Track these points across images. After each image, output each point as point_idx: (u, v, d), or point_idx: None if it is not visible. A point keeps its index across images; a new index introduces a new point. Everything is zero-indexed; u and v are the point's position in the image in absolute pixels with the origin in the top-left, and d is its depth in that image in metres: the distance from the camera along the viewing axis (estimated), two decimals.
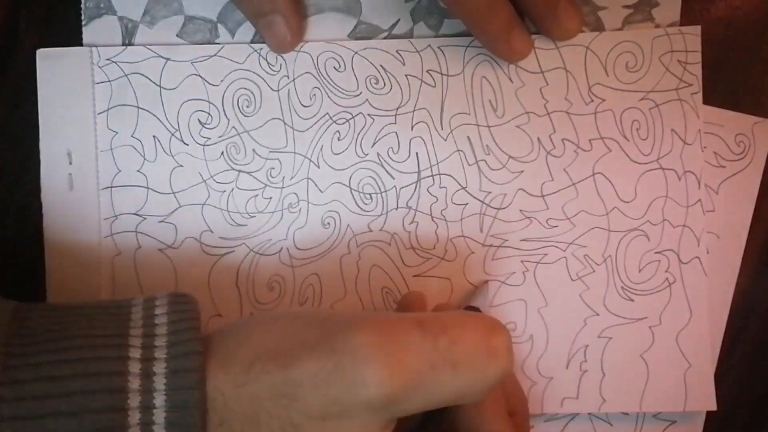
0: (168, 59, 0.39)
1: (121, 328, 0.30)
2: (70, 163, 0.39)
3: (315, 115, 0.40)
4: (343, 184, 0.40)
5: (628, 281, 0.39)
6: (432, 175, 0.40)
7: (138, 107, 0.39)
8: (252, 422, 0.29)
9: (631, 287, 0.39)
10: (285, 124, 0.40)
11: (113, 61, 0.39)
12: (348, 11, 0.40)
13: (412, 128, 0.40)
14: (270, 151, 0.40)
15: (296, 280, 0.40)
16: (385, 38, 0.40)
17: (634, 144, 0.39)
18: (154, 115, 0.39)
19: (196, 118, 0.40)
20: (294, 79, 0.40)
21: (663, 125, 0.39)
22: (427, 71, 0.40)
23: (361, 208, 0.40)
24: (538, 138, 0.40)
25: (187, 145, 0.40)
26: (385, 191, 0.40)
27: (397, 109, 0.40)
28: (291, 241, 0.40)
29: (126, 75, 0.39)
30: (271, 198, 0.40)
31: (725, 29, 0.40)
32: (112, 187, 0.39)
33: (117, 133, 0.39)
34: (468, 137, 0.40)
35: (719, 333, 0.40)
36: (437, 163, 0.40)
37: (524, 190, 0.40)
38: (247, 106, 0.40)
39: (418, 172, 0.40)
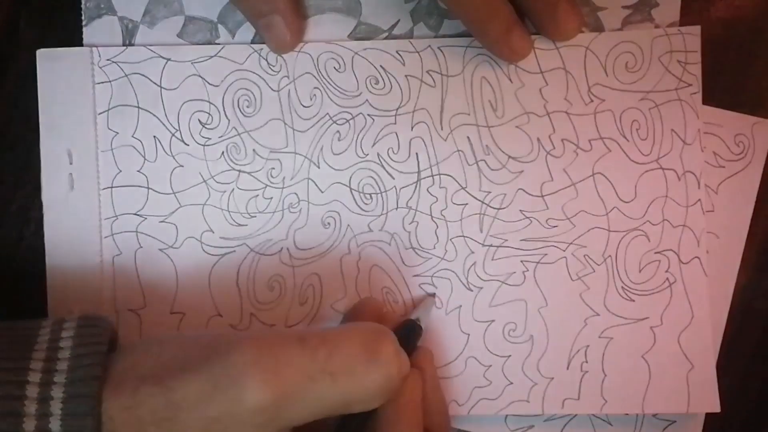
0: (168, 59, 0.39)
1: (24, 350, 0.30)
2: (71, 163, 0.39)
3: (315, 116, 0.40)
4: (343, 184, 0.40)
5: (628, 281, 0.39)
6: (432, 175, 0.40)
7: (138, 107, 0.39)
8: None
9: (631, 287, 0.39)
10: (285, 124, 0.40)
11: (113, 62, 0.39)
12: (348, 12, 0.40)
13: (412, 128, 0.40)
14: (270, 152, 0.40)
15: (296, 280, 0.40)
16: (385, 38, 0.40)
17: (633, 144, 0.39)
18: (155, 116, 0.40)
19: (196, 119, 0.40)
20: (294, 80, 0.40)
21: (663, 125, 0.39)
22: (427, 71, 0.40)
23: (361, 208, 0.40)
24: (538, 138, 0.40)
25: (188, 145, 0.40)
26: (385, 191, 0.40)
27: (397, 109, 0.40)
28: (291, 241, 0.40)
29: (126, 75, 0.39)
30: (271, 198, 0.40)
31: (725, 29, 0.40)
32: (112, 187, 0.39)
33: (117, 133, 0.39)
34: (468, 137, 0.40)
35: (719, 333, 0.40)
36: (437, 163, 0.40)
37: (524, 190, 0.40)
38: (248, 107, 0.40)
39: (418, 172, 0.40)
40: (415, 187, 0.40)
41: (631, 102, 0.39)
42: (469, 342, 0.39)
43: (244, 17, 0.39)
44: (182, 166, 0.40)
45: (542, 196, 0.40)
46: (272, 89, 0.40)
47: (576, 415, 0.40)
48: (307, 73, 0.40)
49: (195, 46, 0.40)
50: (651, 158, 0.39)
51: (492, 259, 0.40)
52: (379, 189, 0.40)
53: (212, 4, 0.40)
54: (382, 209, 0.40)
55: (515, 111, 0.40)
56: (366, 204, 0.40)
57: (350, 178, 0.40)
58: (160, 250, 0.39)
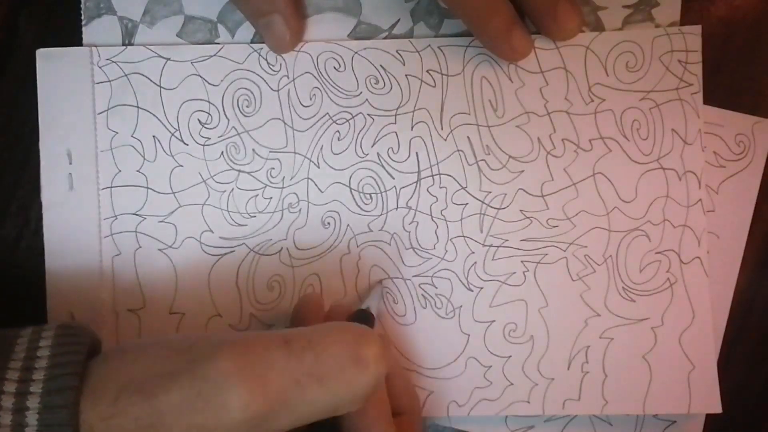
0: (168, 59, 0.39)
1: (0, 360, 0.30)
2: (70, 163, 0.39)
3: (315, 115, 0.40)
4: (343, 184, 0.40)
5: (629, 281, 0.39)
6: (432, 175, 0.40)
7: (138, 107, 0.39)
8: None
9: (632, 287, 0.39)
10: (285, 124, 0.40)
11: (113, 61, 0.39)
12: (348, 11, 0.40)
13: (412, 128, 0.40)
14: (270, 151, 0.40)
15: (296, 280, 0.39)
16: (385, 38, 0.40)
17: (634, 144, 0.39)
18: (154, 115, 0.39)
19: (196, 118, 0.40)
20: (294, 79, 0.40)
21: (663, 125, 0.39)
22: (427, 71, 0.40)
23: (361, 208, 0.40)
24: (538, 138, 0.39)
25: (187, 145, 0.40)
26: (385, 191, 0.40)
27: (397, 109, 0.40)
28: (291, 241, 0.40)
29: (126, 75, 0.39)
30: (271, 198, 0.40)
31: (725, 29, 0.40)
32: (112, 187, 0.39)
33: (117, 133, 0.39)
34: (468, 137, 0.40)
35: (719, 333, 0.40)
36: (437, 163, 0.40)
37: (524, 190, 0.40)
38: (247, 106, 0.40)
39: (418, 172, 0.40)
40: (415, 186, 0.40)
41: (632, 102, 0.39)
42: (470, 342, 0.39)
43: (244, 17, 0.39)
44: (182, 166, 0.40)
45: (542, 196, 0.40)
46: (272, 89, 0.40)
47: (576, 415, 0.40)
48: (306, 72, 0.40)
49: (194, 46, 0.40)
50: (652, 158, 0.39)
51: (492, 259, 0.40)
52: (379, 189, 0.40)
53: (212, 3, 0.40)
54: (382, 209, 0.40)
55: (515, 111, 0.40)
56: (366, 204, 0.40)
57: (350, 178, 0.40)
58: (160, 250, 0.39)
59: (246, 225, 0.40)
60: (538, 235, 0.40)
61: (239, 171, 0.40)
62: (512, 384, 0.39)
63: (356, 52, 0.40)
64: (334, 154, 0.40)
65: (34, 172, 0.40)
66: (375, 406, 0.33)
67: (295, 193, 0.40)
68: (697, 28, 0.39)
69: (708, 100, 0.40)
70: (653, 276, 0.39)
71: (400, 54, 0.40)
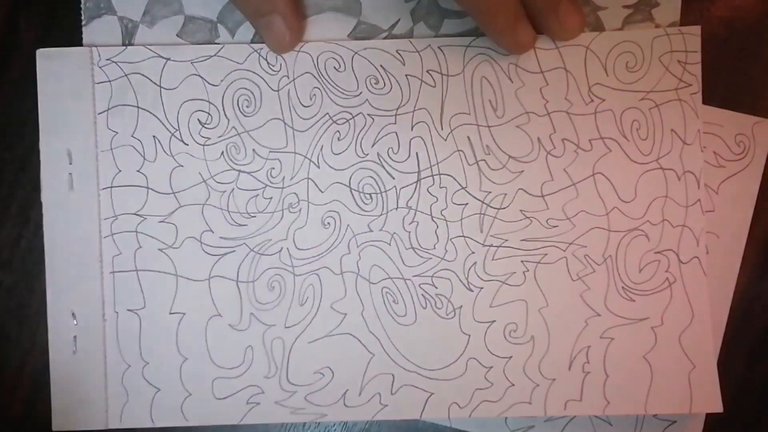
0: (168, 59, 0.39)
1: None
2: (70, 163, 0.39)
3: (315, 115, 0.40)
4: (343, 184, 0.40)
5: (628, 281, 0.39)
6: (432, 175, 0.40)
7: (138, 107, 0.39)
8: None
9: (631, 287, 0.39)
10: (285, 124, 0.40)
11: (113, 61, 0.39)
12: (348, 11, 0.40)
13: (412, 128, 0.40)
14: (270, 151, 0.40)
15: (296, 280, 0.39)
16: (385, 38, 0.40)
17: (634, 144, 0.39)
18: (154, 115, 0.39)
19: (196, 118, 0.40)
20: (294, 79, 0.40)
21: (663, 125, 0.39)
22: (427, 71, 0.40)
23: (361, 208, 0.40)
24: (538, 138, 0.40)
25: (187, 145, 0.40)
26: (385, 191, 0.40)
27: (397, 109, 0.40)
28: (291, 241, 0.40)
29: (126, 75, 0.39)
30: (271, 198, 0.40)
31: (725, 29, 0.40)
32: (112, 187, 0.39)
33: (117, 133, 0.39)
34: (468, 137, 0.40)
35: (719, 333, 0.40)
36: (437, 163, 0.40)
37: (524, 190, 0.40)
38: (247, 106, 0.40)
39: (418, 172, 0.40)
40: (415, 186, 0.40)
41: (632, 102, 0.39)
42: (470, 343, 0.39)
43: (244, 17, 0.39)
44: (182, 166, 0.40)
45: (542, 196, 0.40)
46: (272, 89, 0.40)
47: (576, 415, 0.40)
48: (306, 72, 0.40)
49: (195, 46, 0.40)
50: (651, 158, 0.39)
51: (492, 260, 0.40)
52: (379, 189, 0.40)
53: (212, 3, 0.40)
54: (382, 209, 0.40)
55: (515, 111, 0.40)
56: (366, 204, 0.40)
57: (350, 177, 0.40)
58: (160, 250, 0.39)
59: (246, 225, 0.40)
60: (538, 235, 0.40)
61: (239, 171, 0.40)
62: (513, 385, 0.39)
63: (356, 52, 0.40)
64: (334, 154, 0.40)
65: (34, 172, 0.40)
66: None
67: (295, 193, 0.40)
68: (697, 29, 0.39)
69: (708, 100, 0.40)
70: (652, 276, 0.39)
71: (400, 54, 0.40)
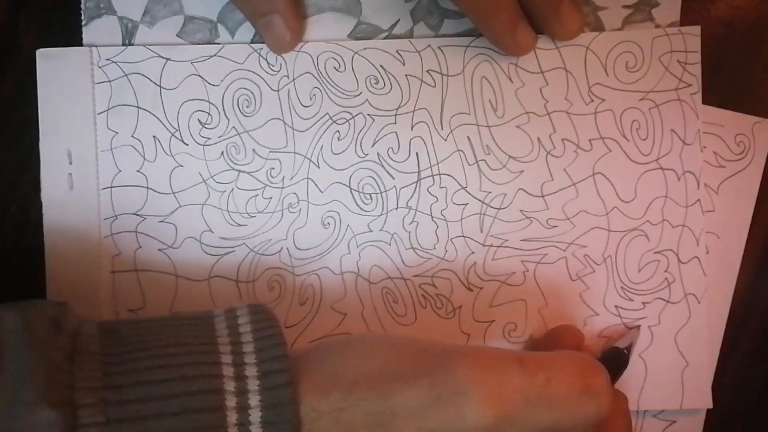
0: (168, 59, 0.39)
1: (209, 336, 0.31)
2: (70, 163, 0.39)
3: (315, 115, 0.40)
4: (343, 184, 0.40)
5: (627, 281, 0.39)
6: (432, 175, 0.40)
7: (138, 107, 0.39)
8: None
9: (630, 287, 0.40)
10: (285, 124, 0.40)
11: (113, 61, 0.39)
12: (348, 11, 0.40)
13: (412, 128, 0.40)
14: (270, 151, 0.40)
15: (296, 280, 0.39)
16: (385, 38, 0.40)
17: (633, 144, 0.39)
18: (154, 115, 0.39)
19: (196, 118, 0.40)
20: (294, 79, 0.40)
21: (663, 125, 0.39)
22: (427, 71, 0.40)
23: (361, 208, 0.40)
24: (538, 138, 0.40)
25: (187, 145, 0.40)
26: (385, 191, 0.40)
27: (397, 109, 0.40)
28: (291, 241, 0.40)
29: (126, 75, 0.39)
30: (271, 198, 0.40)
31: (725, 29, 0.40)
32: (112, 187, 0.39)
33: (117, 133, 0.39)
34: (468, 137, 0.40)
35: (719, 333, 0.40)
36: (437, 163, 0.40)
37: (524, 190, 0.40)
38: (247, 106, 0.40)
39: (418, 172, 0.40)
40: (415, 187, 0.40)
41: (632, 102, 0.39)
42: (470, 342, 0.39)
43: (244, 17, 0.39)
44: (182, 166, 0.40)
45: (542, 196, 0.40)
46: (272, 89, 0.40)
47: None
48: (306, 72, 0.40)
49: (194, 46, 0.40)
50: (651, 158, 0.39)
51: (492, 259, 0.40)
52: (379, 189, 0.40)
53: (212, 3, 0.40)
54: (382, 209, 0.40)
55: (515, 111, 0.40)
56: (366, 204, 0.40)
57: (350, 178, 0.40)
58: (160, 250, 0.39)
59: (246, 225, 0.40)
60: (538, 235, 0.40)
61: (239, 171, 0.40)
62: None
63: (356, 52, 0.40)
64: (334, 154, 0.40)
65: (34, 172, 0.40)
66: None
67: (295, 193, 0.40)
68: (697, 29, 0.39)
69: (708, 100, 0.40)
70: (652, 275, 0.40)
71: (400, 54, 0.40)
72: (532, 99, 0.40)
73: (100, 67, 0.39)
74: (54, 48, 0.39)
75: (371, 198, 0.40)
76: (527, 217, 0.40)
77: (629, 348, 0.38)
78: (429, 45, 0.40)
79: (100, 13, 0.40)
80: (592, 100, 0.39)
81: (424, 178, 0.40)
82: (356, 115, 0.40)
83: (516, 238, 0.40)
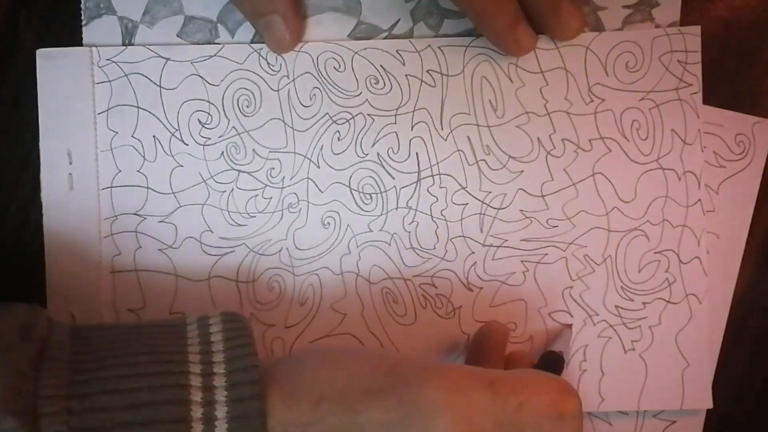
0: (168, 59, 0.39)
1: (179, 344, 0.31)
2: (70, 163, 0.39)
3: (315, 115, 0.40)
4: (343, 184, 0.40)
5: (627, 281, 0.39)
6: (432, 175, 0.40)
7: (138, 107, 0.39)
8: None
9: (630, 287, 0.39)
10: (285, 124, 0.40)
11: (113, 61, 0.39)
12: (348, 11, 0.40)
13: (412, 128, 0.40)
14: (270, 151, 0.40)
15: (296, 280, 0.39)
16: (385, 38, 0.40)
17: (634, 144, 0.39)
18: (154, 115, 0.39)
19: (196, 118, 0.40)
20: (294, 79, 0.40)
21: (663, 125, 0.39)
22: (427, 71, 0.40)
23: (361, 208, 0.40)
24: (538, 138, 0.40)
25: (187, 145, 0.40)
26: (385, 191, 0.40)
27: (397, 109, 0.40)
28: (291, 241, 0.40)
29: (126, 75, 0.39)
30: (271, 198, 0.40)
31: (725, 29, 0.40)
32: (112, 187, 0.39)
33: (117, 133, 0.39)
34: (468, 137, 0.40)
35: (719, 333, 0.40)
36: (437, 163, 0.40)
37: (524, 190, 0.40)
38: (247, 106, 0.40)
39: (418, 172, 0.40)
40: (415, 187, 0.40)
41: (632, 102, 0.39)
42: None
43: (244, 17, 0.39)
44: (182, 166, 0.40)
45: (542, 196, 0.40)
46: (272, 89, 0.40)
47: None
48: (306, 72, 0.40)
49: (195, 46, 0.40)
50: (651, 158, 0.39)
51: (492, 259, 0.40)
52: (379, 189, 0.40)
53: (212, 3, 0.40)
54: (382, 209, 0.40)
55: (515, 111, 0.40)
56: (366, 204, 0.40)
57: (350, 177, 0.40)
58: (160, 250, 0.39)
59: (246, 225, 0.40)
60: (538, 235, 0.40)
61: (239, 171, 0.40)
62: None
63: (356, 52, 0.40)
64: (334, 154, 0.40)
65: (34, 172, 0.40)
66: None
67: (295, 193, 0.40)
68: (697, 29, 0.39)
69: (708, 100, 0.40)
70: (652, 275, 0.40)
71: (400, 54, 0.40)
72: (532, 99, 0.40)
73: (100, 67, 0.39)
74: (54, 48, 0.39)
75: (371, 198, 0.40)
76: (527, 217, 0.40)
77: (564, 350, 0.38)
78: (429, 45, 0.40)
79: (100, 13, 0.40)
80: (592, 100, 0.39)
81: (424, 178, 0.40)
82: (356, 115, 0.40)
83: (516, 238, 0.40)
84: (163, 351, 0.31)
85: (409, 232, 0.40)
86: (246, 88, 0.40)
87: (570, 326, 0.39)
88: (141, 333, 0.32)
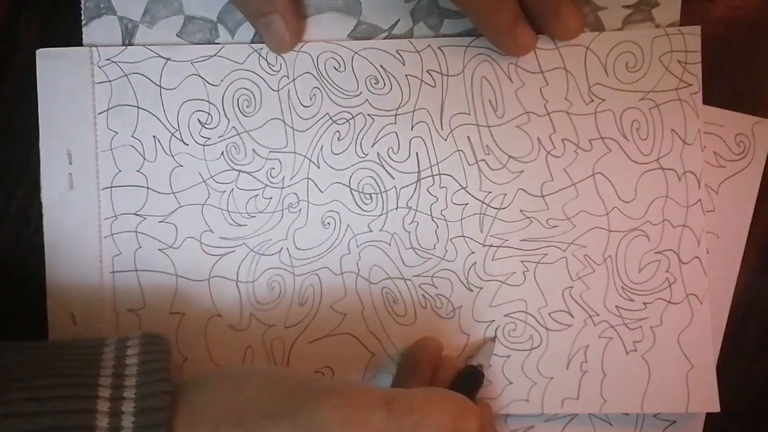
0: (168, 59, 0.39)
1: (92, 367, 0.31)
2: (70, 163, 0.39)
3: (315, 115, 0.40)
4: (343, 184, 0.40)
5: (628, 281, 0.39)
6: (432, 175, 0.40)
7: (138, 107, 0.39)
8: None
9: (631, 287, 0.39)
10: (285, 124, 0.40)
11: (113, 61, 0.39)
12: (348, 11, 0.40)
13: (412, 128, 0.40)
14: (270, 151, 0.40)
15: (296, 280, 0.39)
16: (385, 38, 0.40)
17: (634, 144, 0.39)
18: (154, 115, 0.39)
19: (196, 118, 0.40)
20: (294, 79, 0.40)
21: (663, 125, 0.39)
22: (427, 71, 0.40)
23: (361, 208, 0.40)
24: (538, 138, 0.40)
25: (187, 145, 0.40)
26: (385, 191, 0.40)
27: (397, 109, 0.40)
28: (291, 241, 0.40)
29: (126, 75, 0.39)
30: (271, 198, 0.40)
31: (725, 29, 0.40)
32: (112, 187, 0.39)
33: (117, 133, 0.39)
34: (468, 137, 0.40)
35: (719, 333, 0.40)
36: (437, 163, 0.40)
37: (524, 190, 0.40)
38: (247, 106, 0.40)
39: (418, 172, 0.40)
40: (415, 187, 0.40)
41: (632, 102, 0.39)
42: (469, 342, 0.39)
43: (244, 17, 0.39)
44: (182, 166, 0.40)
45: (542, 196, 0.40)
46: (272, 89, 0.40)
47: (576, 415, 0.40)
48: (306, 72, 0.40)
49: (195, 46, 0.40)
50: (651, 158, 0.39)
51: (492, 259, 0.40)
52: (379, 189, 0.40)
53: (212, 3, 0.40)
54: (382, 209, 0.40)
55: (515, 111, 0.40)
56: (366, 204, 0.40)
57: (350, 178, 0.40)
58: (160, 250, 0.39)
59: (246, 225, 0.40)
60: (538, 235, 0.40)
61: (239, 171, 0.40)
62: (511, 383, 0.39)
63: (356, 52, 0.40)
64: (334, 154, 0.40)
65: (34, 172, 0.40)
66: None
67: (295, 193, 0.40)
68: (697, 29, 0.39)
69: (708, 100, 0.40)
70: (652, 276, 0.39)
71: (400, 54, 0.40)
72: (532, 99, 0.39)
73: (100, 67, 0.39)
74: (54, 48, 0.39)
75: (371, 198, 0.40)
76: (527, 217, 0.40)
77: (484, 364, 0.38)
78: (429, 45, 0.40)
79: (100, 13, 0.40)
80: (592, 100, 0.39)
81: (424, 178, 0.40)
82: (356, 115, 0.40)
83: (516, 238, 0.40)
84: (74, 374, 0.30)
85: (409, 232, 0.40)
86: (246, 88, 0.40)
87: (493, 339, 0.39)
88: (56, 355, 0.32)
